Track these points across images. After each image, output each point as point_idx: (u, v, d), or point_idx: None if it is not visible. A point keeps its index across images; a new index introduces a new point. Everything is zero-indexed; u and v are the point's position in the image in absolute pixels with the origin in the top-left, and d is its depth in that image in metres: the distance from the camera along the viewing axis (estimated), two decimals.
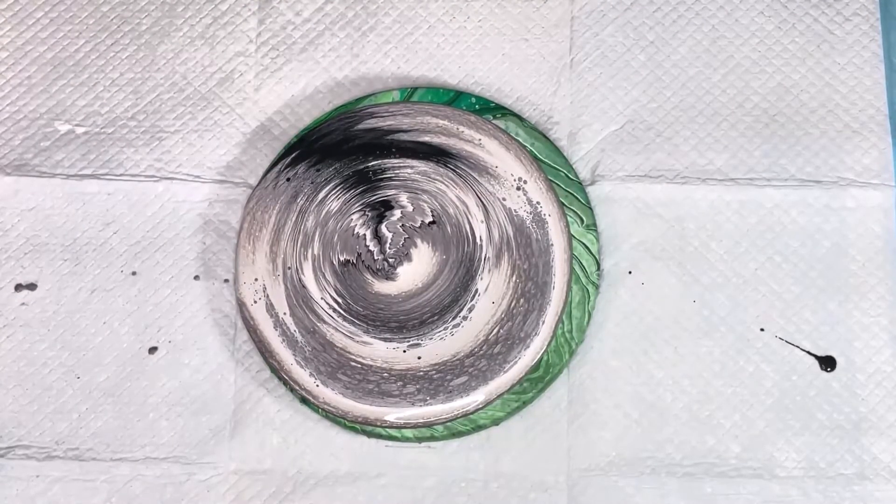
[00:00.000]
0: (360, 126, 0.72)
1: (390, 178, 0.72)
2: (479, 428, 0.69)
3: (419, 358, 0.69)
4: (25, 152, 0.74)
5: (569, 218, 0.71)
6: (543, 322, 0.69)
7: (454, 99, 0.74)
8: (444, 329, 0.69)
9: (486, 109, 0.73)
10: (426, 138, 0.72)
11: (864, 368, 0.69)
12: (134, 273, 0.72)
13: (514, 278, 0.70)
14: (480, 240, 0.71)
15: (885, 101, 0.73)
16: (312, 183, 0.72)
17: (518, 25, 0.76)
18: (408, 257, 0.71)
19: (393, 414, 0.68)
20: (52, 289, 0.72)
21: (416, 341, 0.69)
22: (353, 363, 0.69)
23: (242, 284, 0.70)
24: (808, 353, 0.70)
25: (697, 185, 0.72)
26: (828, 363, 0.70)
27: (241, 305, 0.70)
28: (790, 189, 0.72)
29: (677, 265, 0.71)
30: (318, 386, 0.68)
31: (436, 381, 0.68)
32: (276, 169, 0.72)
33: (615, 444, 0.69)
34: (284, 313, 0.70)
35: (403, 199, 0.72)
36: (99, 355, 0.71)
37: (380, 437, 0.69)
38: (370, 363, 0.69)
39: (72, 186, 0.73)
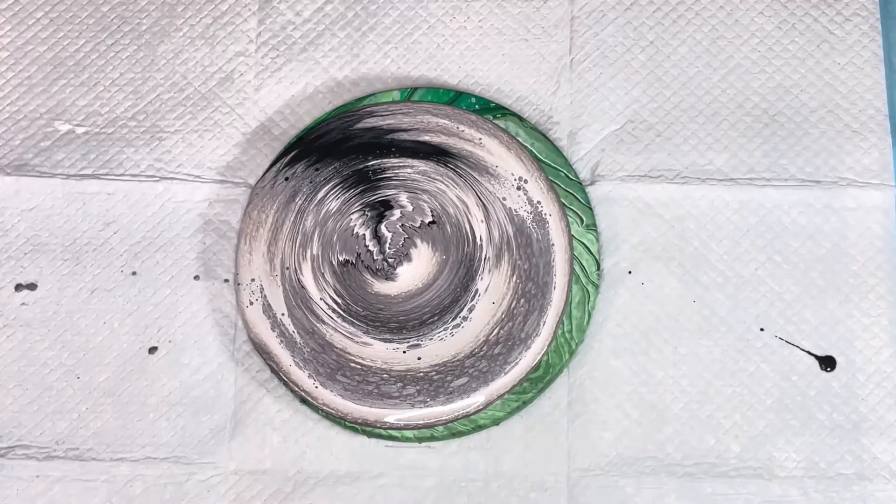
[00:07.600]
0: (360, 125, 0.72)
1: (390, 178, 0.72)
2: (480, 428, 0.69)
3: (419, 359, 0.69)
4: (25, 152, 0.74)
5: (569, 218, 0.71)
6: (544, 323, 0.69)
7: (454, 99, 0.74)
8: (444, 329, 0.69)
9: (486, 109, 0.73)
10: (426, 137, 0.72)
11: (864, 368, 0.69)
12: (134, 273, 0.72)
13: (514, 278, 0.70)
14: (480, 240, 0.71)
15: (885, 101, 0.73)
16: (311, 182, 0.72)
17: (518, 25, 0.76)
18: (408, 257, 0.71)
19: (393, 415, 0.68)
20: (52, 289, 0.72)
21: (415, 342, 0.69)
22: (353, 364, 0.69)
23: (238, 285, 0.70)
24: (808, 353, 0.70)
25: (697, 185, 0.72)
26: (828, 363, 0.70)
27: (239, 306, 0.70)
28: (790, 189, 0.72)
29: (677, 265, 0.71)
30: (317, 387, 0.68)
31: (436, 383, 0.68)
32: (275, 168, 0.72)
33: (615, 444, 0.69)
34: (283, 314, 0.70)
35: (403, 198, 0.72)
36: (99, 355, 0.71)
37: (380, 437, 0.69)
38: (370, 364, 0.69)
39: (72, 186, 0.73)
